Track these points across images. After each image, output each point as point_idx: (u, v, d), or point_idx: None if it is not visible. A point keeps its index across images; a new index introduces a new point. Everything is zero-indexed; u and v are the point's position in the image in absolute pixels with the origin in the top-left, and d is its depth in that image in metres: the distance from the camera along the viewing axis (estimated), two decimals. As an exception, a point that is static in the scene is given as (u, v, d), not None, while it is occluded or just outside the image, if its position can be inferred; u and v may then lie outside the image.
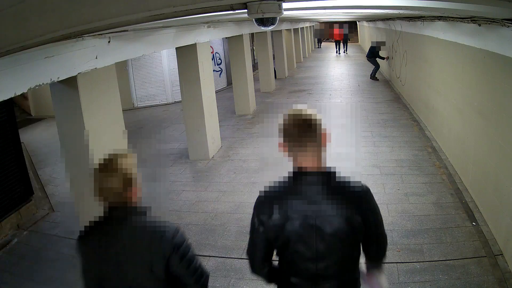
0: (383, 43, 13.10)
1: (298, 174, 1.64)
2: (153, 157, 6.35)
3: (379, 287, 1.83)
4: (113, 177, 1.62)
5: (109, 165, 1.64)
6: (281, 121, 1.64)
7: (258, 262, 1.77)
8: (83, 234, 1.73)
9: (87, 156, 3.57)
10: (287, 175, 1.67)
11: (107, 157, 1.66)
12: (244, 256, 3.68)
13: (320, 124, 1.61)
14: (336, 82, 13.52)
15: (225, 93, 12.75)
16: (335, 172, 1.64)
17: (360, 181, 1.67)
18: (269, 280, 1.84)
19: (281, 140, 1.63)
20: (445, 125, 6.03)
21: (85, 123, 3.53)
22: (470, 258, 3.57)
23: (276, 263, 1.80)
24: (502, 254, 3.55)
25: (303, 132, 1.59)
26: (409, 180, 5.25)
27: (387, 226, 4.26)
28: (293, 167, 1.66)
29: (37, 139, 9.23)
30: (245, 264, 3.75)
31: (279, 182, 1.69)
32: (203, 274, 1.72)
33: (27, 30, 1.84)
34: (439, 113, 6.41)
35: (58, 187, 6.06)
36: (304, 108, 1.65)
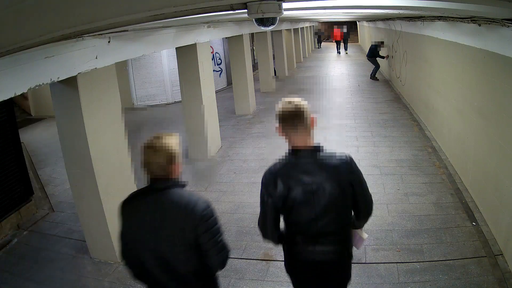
0: (383, 43, 13.11)
1: (294, 151, 2.03)
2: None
3: (361, 239, 2.34)
4: (158, 153, 1.87)
5: (155, 143, 1.89)
6: (277, 110, 2.03)
7: (270, 229, 2.14)
8: (126, 201, 2.01)
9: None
10: (284, 154, 2.07)
11: (154, 136, 1.92)
12: (244, 256, 3.69)
13: (308, 111, 2.01)
14: (336, 82, 13.52)
15: (225, 93, 12.75)
16: (323, 147, 2.05)
17: (344, 152, 2.07)
18: (278, 242, 2.25)
19: (277, 124, 2.04)
20: (445, 125, 6.03)
21: (85, 123, 3.53)
22: (470, 258, 3.57)
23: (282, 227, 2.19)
24: (502, 254, 3.55)
25: (294, 117, 1.98)
26: (409, 180, 5.25)
27: (387, 226, 4.30)
28: (289, 146, 2.06)
29: (37, 139, 9.23)
30: (245, 264, 3.76)
31: (279, 160, 2.07)
32: (224, 248, 1.96)
33: (27, 30, 1.84)
34: (439, 113, 6.41)
35: (58, 187, 6.07)
36: (296, 98, 2.04)
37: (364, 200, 2.11)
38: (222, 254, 1.95)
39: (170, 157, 1.91)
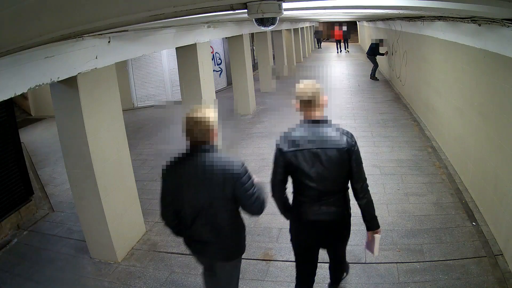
0: (382, 40, 13.08)
1: (306, 122, 2.45)
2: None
3: (373, 246, 2.58)
4: (199, 122, 2.22)
5: (197, 113, 2.23)
6: (296, 89, 2.49)
7: (278, 185, 2.47)
8: (168, 164, 2.34)
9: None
10: (299, 123, 2.47)
11: (195, 107, 2.27)
12: (244, 256, 3.68)
13: (321, 92, 2.45)
14: (336, 82, 13.51)
15: (225, 93, 12.75)
16: (331, 121, 2.46)
17: (348, 131, 2.48)
18: (283, 204, 2.58)
19: (295, 101, 2.48)
20: (445, 125, 6.03)
21: (85, 123, 3.53)
22: (470, 258, 3.57)
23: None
24: (502, 254, 3.55)
25: (311, 94, 2.43)
26: (409, 180, 5.25)
27: (387, 226, 4.30)
28: (303, 118, 2.48)
29: (37, 139, 9.23)
30: (245, 264, 3.76)
31: (293, 127, 2.48)
32: (259, 198, 2.30)
33: (27, 30, 1.84)
34: (439, 113, 6.41)
35: (58, 187, 6.07)
36: (312, 81, 2.51)
37: (359, 176, 2.43)
38: (257, 203, 2.30)
39: (208, 126, 2.25)
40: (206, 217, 2.31)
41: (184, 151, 2.32)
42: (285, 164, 2.40)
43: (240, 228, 2.46)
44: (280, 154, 2.40)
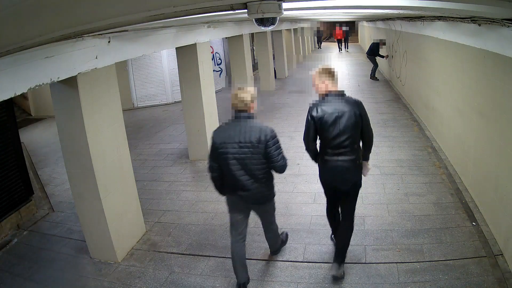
0: (384, 41, 13.09)
1: (326, 95, 3.27)
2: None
3: (367, 168, 3.49)
4: (245, 93, 3.06)
5: (243, 88, 3.11)
6: (316, 70, 3.36)
7: (310, 141, 3.29)
8: (218, 128, 3.19)
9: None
10: (321, 97, 3.31)
11: (240, 87, 3.13)
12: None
13: (336, 72, 3.35)
14: (336, 82, 13.49)
15: (225, 93, 12.76)
16: (344, 92, 3.32)
17: (358, 100, 3.30)
18: (314, 154, 3.40)
19: (316, 79, 3.33)
20: (445, 125, 6.03)
21: (85, 123, 3.53)
22: (470, 258, 3.57)
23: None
24: (502, 254, 3.55)
25: (328, 73, 3.31)
26: (409, 180, 5.25)
27: (387, 226, 4.30)
28: (322, 92, 3.30)
29: (37, 139, 9.23)
30: (245, 264, 3.75)
31: (318, 98, 3.31)
32: (284, 158, 3.09)
33: (27, 30, 1.84)
34: (439, 113, 6.41)
35: (58, 187, 6.07)
36: (329, 65, 3.46)
37: (367, 130, 3.28)
38: (283, 161, 3.07)
39: (251, 98, 3.08)
40: (246, 169, 3.04)
41: (230, 119, 3.12)
42: (315, 125, 3.21)
43: (270, 178, 3.19)
44: (311, 119, 3.22)
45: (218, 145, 3.05)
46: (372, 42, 13.81)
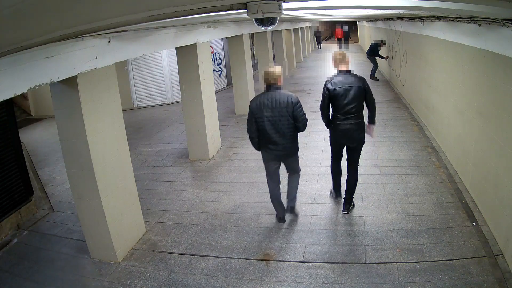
0: (383, 41, 13.08)
1: (339, 72, 4.20)
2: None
3: (372, 129, 4.42)
4: (274, 71, 4.00)
5: (273, 67, 4.04)
6: (333, 55, 4.41)
7: (325, 109, 4.23)
8: (254, 98, 4.04)
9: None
10: (334, 73, 4.26)
11: (270, 66, 4.11)
12: (244, 256, 3.68)
13: (347, 55, 4.31)
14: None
15: (225, 93, 12.76)
16: (353, 71, 4.24)
17: (362, 76, 4.24)
18: (327, 121, 4.33)
19: (334, 59, 4.34)
20: (445, 125, 6.03)
21: (85, 123, 3.53)
22: (470, 258, 3.57)
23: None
24: (502, 254, 3.55)
25: (342, 57, 4.27)
26: (409, 180, 5.25)
27: (387, 226, 4.29)
28: (337, 70, 4.25)
29: (37, 139, 9.24)
30: (245, 264, 3.76)
31: (333, 75, 4.23)
32: (306, 118, 4.01)
33: (27, 30, 1.84)
34: (439, 113, 6.41)
35: (58, 187, 6.07)
36: (343, 50, 4.98)
37: (371, 99, 4.25)
38: (305, 121, 4.01)
39: (278, 74, 4.01)
40: (277, 128, 3.97)
41: (263, 90, 4.06)
42: (329, 96, 4.15)
43: (295, 136, 4.13)
44: (326, 90, 4.15)
45: (255, 110, 3.98)
46: (372, 42, 13.80)
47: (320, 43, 30.29)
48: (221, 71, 14.25)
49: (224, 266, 3.79)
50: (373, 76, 13.21)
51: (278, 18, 2.44)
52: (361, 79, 4.15)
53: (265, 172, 4.35)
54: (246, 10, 2.28)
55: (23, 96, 11.18)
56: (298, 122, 3.97)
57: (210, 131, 6.74)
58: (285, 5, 2.39)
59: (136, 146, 7.67)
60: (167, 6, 1.92)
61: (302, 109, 3.98)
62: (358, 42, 30.12)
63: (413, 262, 3.59)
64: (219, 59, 14.10)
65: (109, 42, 3.72)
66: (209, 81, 6.74)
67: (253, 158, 6.59)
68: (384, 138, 7.00)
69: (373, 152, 6.35)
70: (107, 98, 3.85)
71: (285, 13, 2.57)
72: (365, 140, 4.32)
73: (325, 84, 4.17)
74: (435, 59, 6.58)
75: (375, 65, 13.22)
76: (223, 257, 3.92)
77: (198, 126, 6.59)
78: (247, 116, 4.07)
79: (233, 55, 9.44)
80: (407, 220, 4.28)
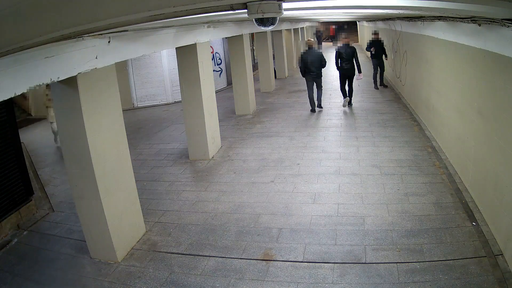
0: (377, 32, 12.04)
1: (344, 44, 9.87)
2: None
3: (361, 75, 9.82)
4: (311, 40, 9.97)
5: (310, 39, 10.77)
6: (341, 37, 10.85)
7: (337, 63, 9.75)
8: (303, 52, 9.54)
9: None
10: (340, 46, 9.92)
11: (308, 38, 11.40)
12: (244, 256, 3.68)
13: (348, 38, 10.25)
14: (336, 82, 13.46)
15: (225, 93, 12.76)
16: (350, 44, 9.93)
17: (353, 46, 10.13)
18: (338, 68, 9.85)
19: (341, 38, 10.78)
20: (445, 125, 6.03)
21: (85, 123, 3.53)
22: (470, 258, 3.57)
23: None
24: (502, 254, 3.55)
25: (344, 40, 10.13)
26: (409, 180, 5.25)
27: (387, 226, 4.29)
28: (343, 43, 9.86)
29: (37, 139, 9.24)
30: (245, 264, 3.76)
31: (339, 46, 10.08)
32: (326, 62, 9.48)
33: (27, 30, 1.84)
34: (439, 113, 6.41)
35: (58, 187, 6.07)
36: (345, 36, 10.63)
37: (357, 58, 9.55)
38: (325, 62, 9.34)
39: (312, 42, 9.68)
40: (314, 66, 9.14)
41: (307, 49, 9.27)
42: (339, 56, 9.46)
43: (321, 69, 9.31)
44: (338, 54, 9.50)
45: (304, 57, 9.13)
46: (369, 40, 13.66)
47: (321, 43, 30.55)
48: (221, 71, 14.25)
49: (224, 266, 3.79)
50: (381, 83, 11.83)
51: (278, 18, 2.44)
52: (354, 48, 9.55)
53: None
54: (246, 10, 2.27)
55: (23, 96, 11.18)
56: (323, 62, 9.15)
57: (210, 131, 6.75)
58: (285, 5, 2.39)
59: (136, 146, 7.67)
60: (167, 6, 1.92)
61: (324, 58, 9.15)
62: (358, 42, 30.19)
63: (413, 262, 3.59)
64: (219, 59, 14.10)
65: (109, 42, 3.72)
66: (209, 81, 6.74)
67: (253, 158, 6.59)
68: (384, 138, 7.01)
69: (373, 152, 6.35)
70: (107, 98, 3.85)
71: (285, 13, 2.57)
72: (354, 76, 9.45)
73: (336, 50, 9.70)
74: (435, 59, 6.58)
75: (382, 69, 11.81)
76: (223, 257, 3.92)
77: (198, 126, 6.59)
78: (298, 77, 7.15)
79: (233, 55, 9.44)
80: (407, 220, 4.28)
